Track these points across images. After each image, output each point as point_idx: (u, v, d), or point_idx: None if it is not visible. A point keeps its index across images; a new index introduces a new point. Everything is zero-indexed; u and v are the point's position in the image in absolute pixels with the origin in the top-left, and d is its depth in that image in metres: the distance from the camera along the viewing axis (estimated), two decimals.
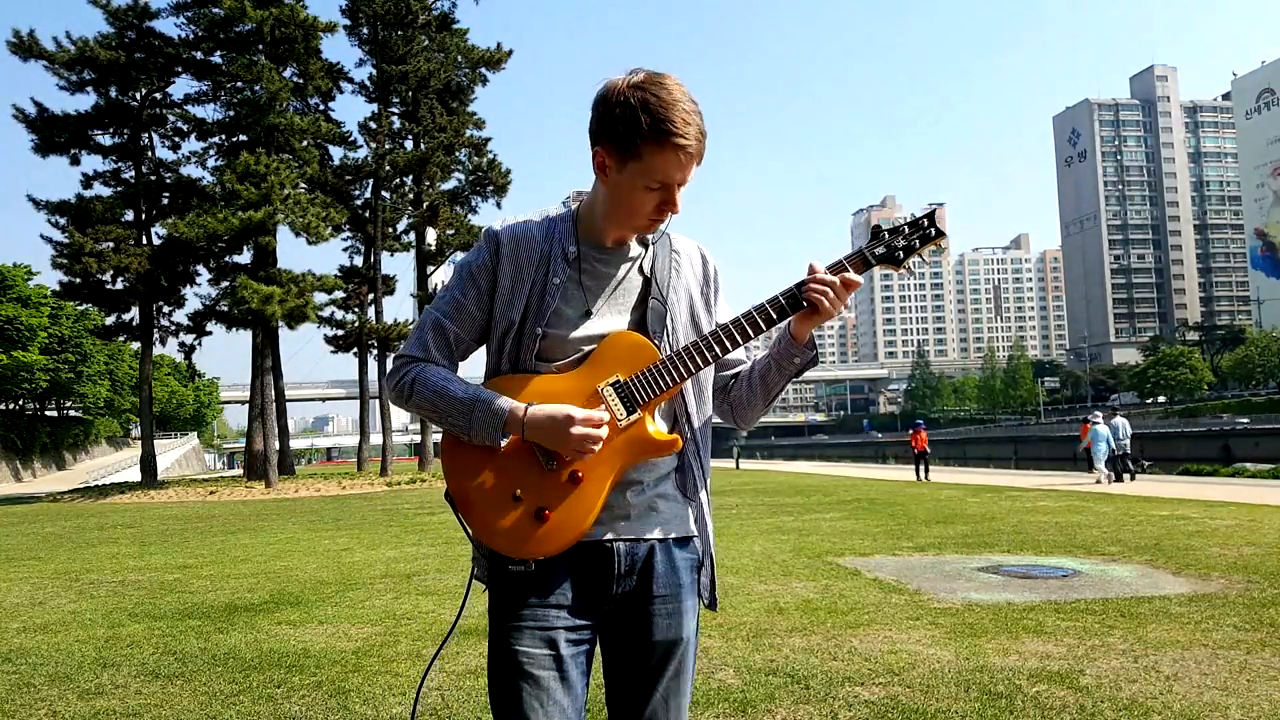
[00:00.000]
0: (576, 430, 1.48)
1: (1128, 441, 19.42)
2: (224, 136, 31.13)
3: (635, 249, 1.67)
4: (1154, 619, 5.28)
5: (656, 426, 1.59)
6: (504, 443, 1.53)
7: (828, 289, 1.56)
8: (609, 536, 1.57)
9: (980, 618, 5.45)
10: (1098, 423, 20.07)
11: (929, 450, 24.99)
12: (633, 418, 1.55)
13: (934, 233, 1.66)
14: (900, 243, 1.66)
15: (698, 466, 1.68)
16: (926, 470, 24.42)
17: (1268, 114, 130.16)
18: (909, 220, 1.68)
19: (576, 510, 1.53)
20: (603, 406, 1.53)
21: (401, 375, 1.60)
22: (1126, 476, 19.48)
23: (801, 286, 1.58)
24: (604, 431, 1.50)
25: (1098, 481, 19.24)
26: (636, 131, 1.47)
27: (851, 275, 1.58)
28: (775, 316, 1.59)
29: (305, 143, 30.33)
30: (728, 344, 1.58)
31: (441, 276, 35.68)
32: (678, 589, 1.62)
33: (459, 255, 33.97)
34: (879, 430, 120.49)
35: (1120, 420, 19.90)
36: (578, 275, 1.60)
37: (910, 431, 25.97)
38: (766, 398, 1.72)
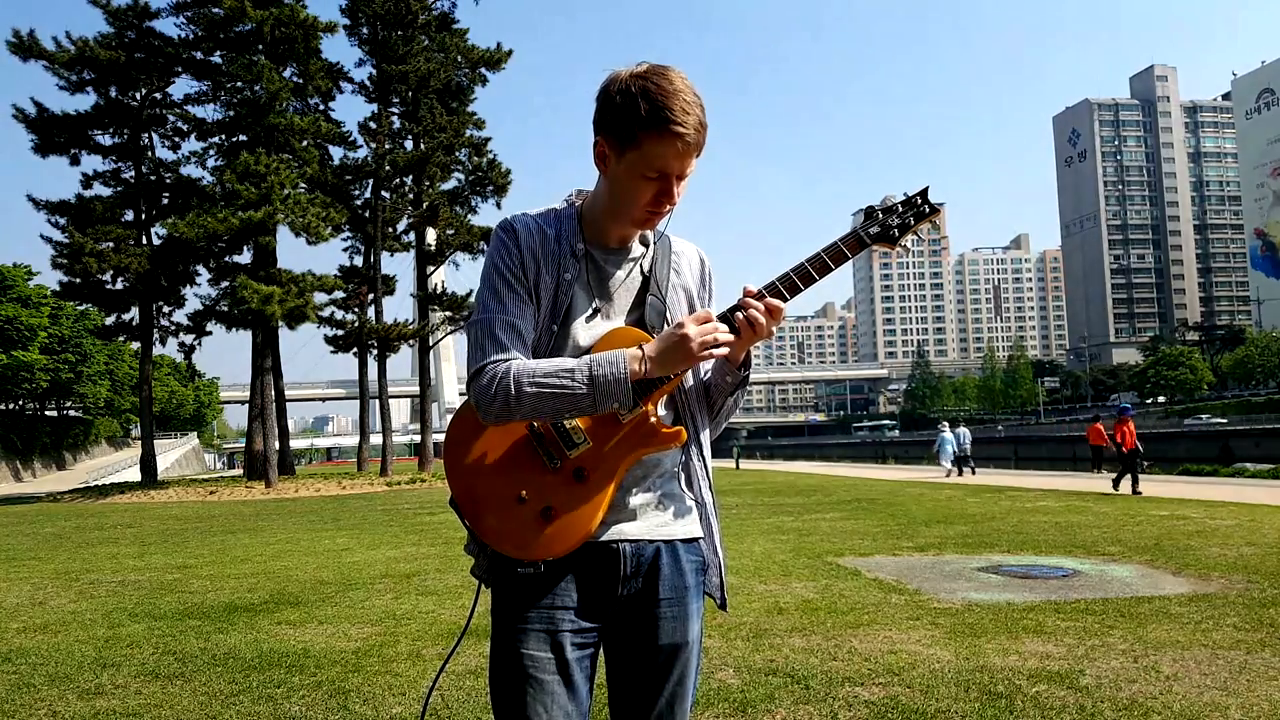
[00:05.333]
0: (692, 330, 1.44)
1: (968, 445, 25.06)
2: (224, 136, 31.13)
3: (637, 249, 1.65)
4: (1154, 619, 5.28)
5: (660, 419, 1.57)
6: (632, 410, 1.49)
7: (757, 313, 1.51)
8: (615, 538, 1.54)
9: (980, 618, 5.45)
10: (944, 430, 25.67)
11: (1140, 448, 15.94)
12: (636, 411, 1.52)
13: (928, 209, 1.62)
14: (894, 221, 1.61)
15: (701, 464, 1.66)
16: (1135, 477, 15.46)
17: (1268, 114, 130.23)
18: (902, 199, 1.63)
19: (583, 509, 1.49)
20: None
21: (499, 379, 1.44)
22: (968, 471, 24.89)
23: (735, 310, 1.54)
24: (715, 323, 1.46)
25: (947, 475, 24.33)
26: (635, 119, 1.44)
27: (775, 301, 1.52)
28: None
29: (305, 143, 30.31)
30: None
31: (441, 276, 35.67)
32: (684, 592, 1.59)
33: (459, 255, 34.26)
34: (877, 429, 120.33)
35: (963, 429, 25.46)
36: (584, 273, 1.58)
37: (1116, 419, 16.26)
38: (712, 412, 1.70)
